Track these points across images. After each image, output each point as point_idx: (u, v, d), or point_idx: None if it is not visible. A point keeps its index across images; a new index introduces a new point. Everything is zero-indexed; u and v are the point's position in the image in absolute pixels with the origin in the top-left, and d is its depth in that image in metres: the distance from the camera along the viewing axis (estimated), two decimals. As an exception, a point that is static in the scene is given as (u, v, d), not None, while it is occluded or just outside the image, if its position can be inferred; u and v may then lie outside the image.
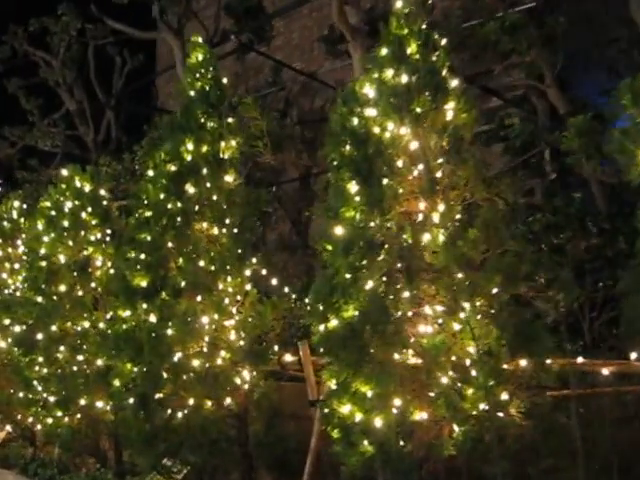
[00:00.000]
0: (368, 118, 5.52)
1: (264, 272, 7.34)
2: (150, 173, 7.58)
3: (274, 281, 7.53)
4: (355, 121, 5.50)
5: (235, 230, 7.25)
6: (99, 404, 8.49)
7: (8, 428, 10.52)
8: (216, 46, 11.28)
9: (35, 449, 10.71)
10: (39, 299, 8.66)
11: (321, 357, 6.56)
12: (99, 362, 8.48)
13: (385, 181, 5.35)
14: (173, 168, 7.38)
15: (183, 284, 6.93)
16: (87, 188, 9.05)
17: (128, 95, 14.39)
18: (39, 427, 10.35)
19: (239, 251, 7.13)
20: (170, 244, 7.18)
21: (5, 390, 10.37)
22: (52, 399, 8.77)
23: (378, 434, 5.09)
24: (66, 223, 8.85)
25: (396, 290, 5.14)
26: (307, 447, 6.98)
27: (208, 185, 7.34)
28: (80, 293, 8.69)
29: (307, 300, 5.83)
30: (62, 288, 8.63)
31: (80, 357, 8.45)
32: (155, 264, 6.95)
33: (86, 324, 8.54)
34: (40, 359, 8.52)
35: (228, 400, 7.02)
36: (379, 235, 5.29)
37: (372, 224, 5.34)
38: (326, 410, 5.63)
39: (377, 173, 5.32)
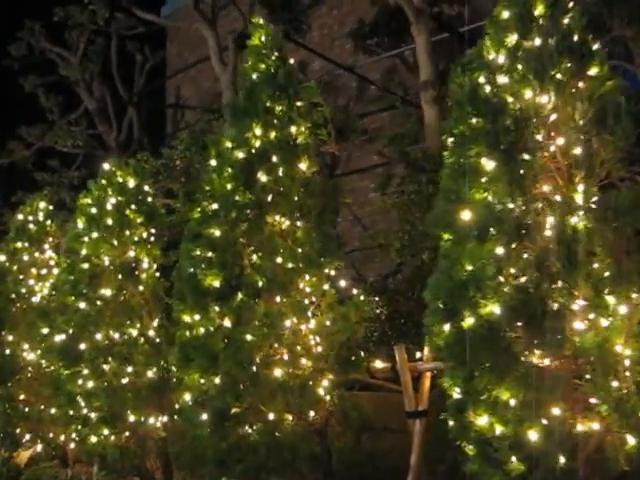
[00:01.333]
0: (501, 86, 4.77)
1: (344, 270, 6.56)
2: (213, 163, 6.78)
3: (345, 281, 6.76)
4: (486, 89, 4.75)
5: (312, 223, 6.48)
6: (150, 420, 7.67)
7: (38, 447, 9.62)
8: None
9: (68, 469, 9.85)
10: (81, 305, 7.80)
11: (427, 362, 5.82)
12: (150, 374, 7.67)
13: (526, 156, 4.61)
14: (241, 155, 6.60)
15: (261, 284, 6.13)
16: (131, 183, 8.24)
17: (148, 93, 13.64)
18: (72, 446, 9.54)
19: (318, 246, 6.34)
20: (242, 239, 6.40)
21: (35, 406, 9.50)
22: (95, 415, 7.93)
23: (530, 449, 4.31)
24: (110, 221, 8.02)
25: (551, 280, 4.37)
26: (401, 465, 6.19)
27: (280, 174, 6.56)
28: (123, 298, 7.88)
29: (423, 297, 5.04)
30: (107, 292, 7.79)
31: (129, 369, 7.61)
32: (230, 262, 6.14)
33: (134, 332, 7.70)
34: (85, 371, 7.65)
35: (311, 414, 6.23)
36: (524, 218, 4.53)
37: (512, 206, 4.59)
38: (451, 423, 4.85)
39: (518, 147, 4.57)
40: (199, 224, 6.58)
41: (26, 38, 13.51)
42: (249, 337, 5.97)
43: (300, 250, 6.33)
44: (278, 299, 6.16)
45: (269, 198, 6.46)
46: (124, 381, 7.61)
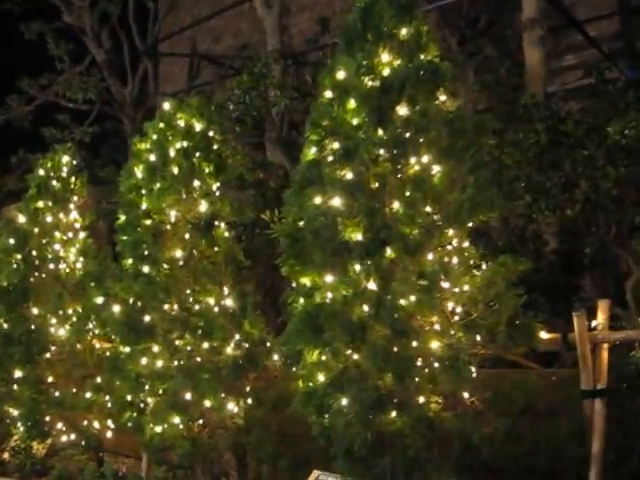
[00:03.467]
0: None
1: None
2: (328, 94, 5.47)
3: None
4: None
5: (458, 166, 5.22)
6: (229, 406, 6.34)
7: (63, 436, 8.17)
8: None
9: (102, 462, 8.45)
10: (145, 269, 6.39)
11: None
12: (229, 350, 6.33)
13: None
14: (370, 84, 5.29)
15: (412, 237, 4.85)
16: (198, 127, 6.84)
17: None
18: (109, 435, 8.14)
19: (471, 194, 5.10)
20: (376, 184, 5.11)
21: (65, 390, 8.06)
22: (158, 400, 6.56)
23: None
24: (175, 170, 6.61)
25: None
26: (574, 454, 5.06)
27: (418, 107, 5.28)
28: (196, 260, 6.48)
29: None
30: (177, 254, 6.41)
31: (205, 344, 6.24)
32: (375, 210, 4.86)
33: (211, 300, 6.33)
34: (155, 348, 6.26)
35: (465, 395, 5.01)
36: None
37: None
38: None
39: None
40: (313, 165, 5.28)
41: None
42: (403, 302, 4.71)
43: (448, 199, 5.08)
44: (431, 257, 4.91)
45: (407, 135, 5.18)
46: (199, 359, 6.26)
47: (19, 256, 8.34)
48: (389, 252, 4.78)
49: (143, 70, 11.88)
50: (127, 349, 6.41)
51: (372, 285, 4.79)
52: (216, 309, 6.32)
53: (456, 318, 5.00)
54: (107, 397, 8.01)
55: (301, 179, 5.33)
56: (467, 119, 5.31)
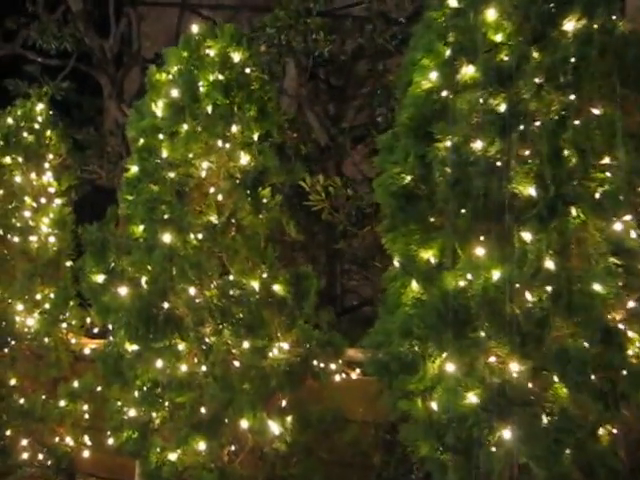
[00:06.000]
0: None
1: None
2: (453, 2, 3.76)
3: None
4: None
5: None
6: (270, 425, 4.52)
7: (31, 455, 6.18)
8: None
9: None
10: (164, 238, 4.54)
11: None
12: (277, 352, 4.52)
13: None
14: None
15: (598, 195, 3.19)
16: (236, 58, 5.02)
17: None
18: (87, 454, 6.20)
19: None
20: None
21: (33, 397, 6.08)
22: (166, 417, 4.71)
23: None
24: (209, 109, 4.78)
25: None
26: None
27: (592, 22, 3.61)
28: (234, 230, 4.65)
29: None
30: (212, 219, 4.57)
31: (245, 344, 4.42)
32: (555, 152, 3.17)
33: (254, 284, 4.51)
34: (181, 346, 4.38)
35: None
36: None
37: None
38: None
39: None
40: (429, 99, 3.57)
41: None
42: (598, 288, 3.02)
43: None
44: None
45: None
46: (237, 364, 4.44)
47: (-23, 224, 6.37)
48: (574, 214, 3.08)
49: (125, 25, 9.96)
50: (133, 347, 4.53)
51: (549, 263, 3.08)
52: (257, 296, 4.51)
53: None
54: (85, 407, 6.16)
55: (414, 115, 3.62)
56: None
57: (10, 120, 6.67)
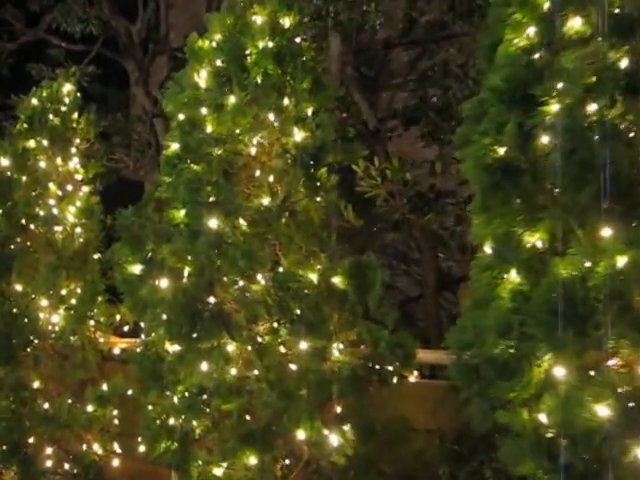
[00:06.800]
0: None
1: None
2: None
3: None
4: None
5: None
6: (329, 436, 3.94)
7: (56, 465, 5.64)
8: None
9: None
10: (211, 223, 3.97)
11: None
12: (337, 354, 3.94)
13: None
14: None
15: None
16: (286, 23, 4.45)
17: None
18: (116, 462, 5.66)
19: None
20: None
21: (57, 400, 5.53)
22: (208, 426, 4.14)
23: None
24: (258, 78, 4.22)
25: None
26: None
27: None
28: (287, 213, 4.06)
29: None
30: (263, 202, 4.01)
31: (304, 345, 3.85)
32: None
33: (313, 276, 3.94)
34: (230, 347, 3.81)
35: None
36: None
37: None
38: None
39: None
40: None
41: None
42: None
43: None
44: None
45: None
46: (293, 367, 3.86)
47: (-1, 212, 5.84)
48: None
49: (153, 9, 9.42)
50: (174, 348, 3.97)
51: None
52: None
53: None
54: (115, 412, 5.62)
55: (509, 77, 3.05)
56: None
57: (35, 101, 6.14)
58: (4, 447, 5.31)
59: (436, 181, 5.08)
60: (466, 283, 6.60)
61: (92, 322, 5.81)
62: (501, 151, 3.16)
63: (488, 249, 3.21)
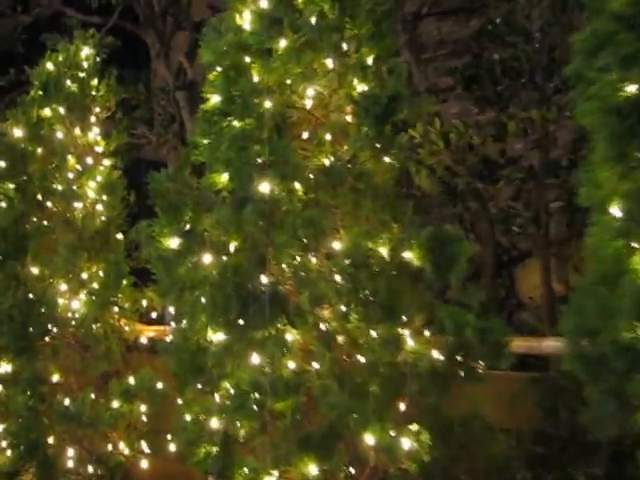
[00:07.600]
0: None
1: None
2: None
3: None
4: None
5: None
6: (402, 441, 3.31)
7: (79, 466, 5.04)
8: None
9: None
10: (260, 188, 3.31)
11: None
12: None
13: None
14: None
15: None
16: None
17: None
18: (144, 463, 5.05)
19: None
20: None
21: (80, 394, 4.92)
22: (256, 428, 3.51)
23: None
24: (313, 20, 3.55)
25: None
26: None
27: None
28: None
29: None
30: (325, 161, 3.35)
31: (374, 334, 3.19)
32: None
33: (383, 251, 3.28)
34: (290, 335, 3.16)
35: None
36: None
37: None
38: None
39: None
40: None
41: None
42: None
43: None
44: None
45: None
46: (362, 359, 3.22)
47: (12, 187, 5.22)
48: None
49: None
50: (219, 336, 3.33)
51: None
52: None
53: None
54: (143, 407, 5.00)
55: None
56: None
57: (50, 66, 5.52)
58: (22, 447, 4.70)
59: (505, 146, 4.40)
60: (529, 260, 5.93)
61: (116, 308, 5.25)
62: (633, 89, 2.50)
63: (616, 211, 2.55)
